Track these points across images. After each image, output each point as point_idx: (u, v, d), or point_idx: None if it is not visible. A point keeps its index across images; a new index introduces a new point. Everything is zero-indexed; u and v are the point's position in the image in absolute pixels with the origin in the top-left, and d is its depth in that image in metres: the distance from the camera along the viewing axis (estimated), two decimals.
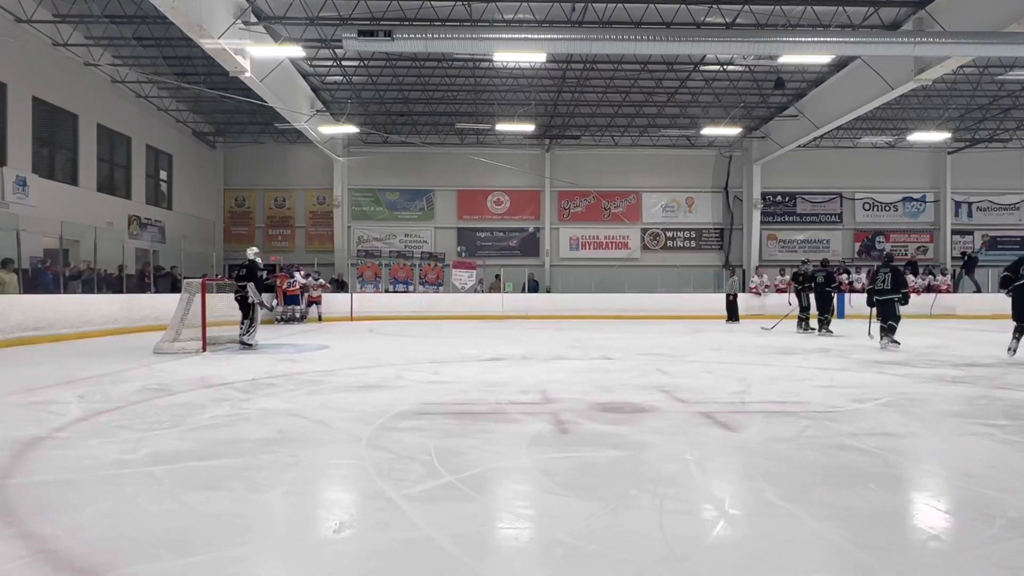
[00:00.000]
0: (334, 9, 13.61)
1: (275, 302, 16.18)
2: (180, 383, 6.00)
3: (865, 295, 11.38)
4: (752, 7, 13.35)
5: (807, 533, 2.39)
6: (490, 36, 10.95)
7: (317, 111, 19.24)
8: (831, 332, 12.62)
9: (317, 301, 17.40)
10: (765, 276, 20.83)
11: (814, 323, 13.19)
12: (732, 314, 17.56)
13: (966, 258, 22.44)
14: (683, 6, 13.34)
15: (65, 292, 12.53)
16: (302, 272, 17.39)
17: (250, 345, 9.46)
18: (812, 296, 13.30)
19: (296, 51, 13.94)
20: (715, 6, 13.34)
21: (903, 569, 2.10)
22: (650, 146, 23.67)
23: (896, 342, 9.62)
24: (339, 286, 20.30)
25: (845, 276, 19.50)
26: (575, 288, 21.43)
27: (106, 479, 3.04)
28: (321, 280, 17.94)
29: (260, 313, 9.89)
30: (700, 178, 24.18)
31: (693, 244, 24.35)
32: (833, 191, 24.33)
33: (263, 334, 10.24)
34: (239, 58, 12.75)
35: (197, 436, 3.88)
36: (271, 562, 2.19)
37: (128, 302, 13.13)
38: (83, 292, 12.93)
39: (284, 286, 16.29)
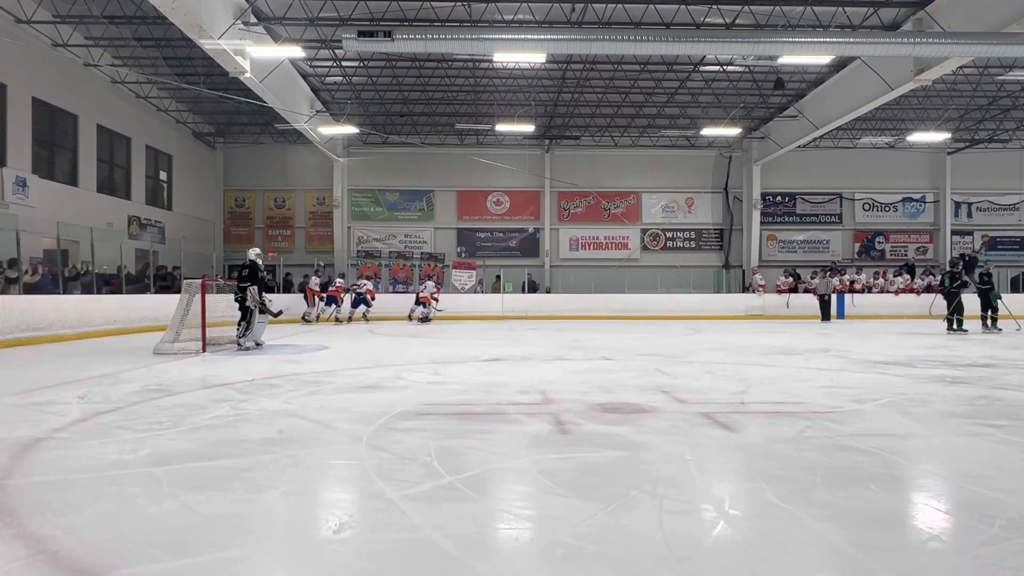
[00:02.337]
0: (334, 10, 13.62)
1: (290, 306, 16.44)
2: (180, 384, 6.00)
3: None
4: (752, 8, 13.35)
5: (807, 534, 2.39)
6: (490, 36, 10.94)
7: (317, 111, 19.25)
8: (964, 331, 12.71)
9: (427, 302, 16.94)
10: (759, 276, 20.90)
11: (1002, 323, 13.24)
12: (826, 313, 17.60)
13: (966, 259, 22.43)
14: (683, 7, 13.35)
15: (65, 293, 12.53)
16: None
17: (247, 347, 9.46)
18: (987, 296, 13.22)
19: (296, 52, 13.94)
20: (715, 7, 13.34)
21: (903, 569, 2.09)
22: (650, 147, 23.67)
23: None
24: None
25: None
26: (575, 288, 21.44)
27: (106, 480, 3.04)
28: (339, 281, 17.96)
29: (258, 316, 9.87)
30: (700, 178, 24.19)
31: (693, 244, 24.36)
32: (833, 191, 24.34)
33: (266, 334, 10.25)
34: (239, 59, 12.75)
35: (197, 437, 3.88)
36: (271, 563, 2.19)
37: (127, 303, 13.13)
38: (82, 293, 12.93)
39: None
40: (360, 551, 2.27)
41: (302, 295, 17.16)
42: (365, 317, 16.99)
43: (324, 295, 17.04)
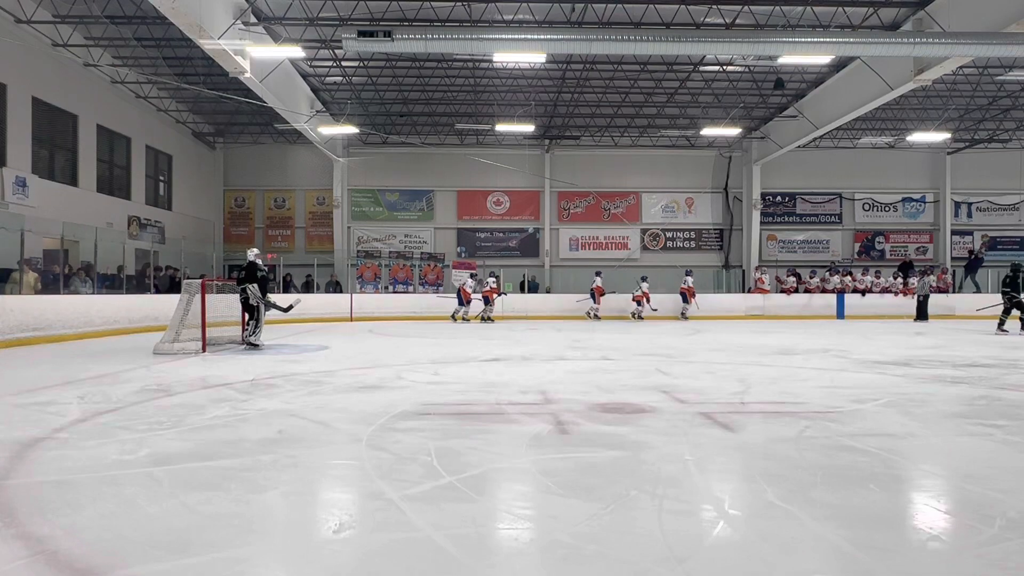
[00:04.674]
0: (334, 10, 13.61)
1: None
2: (180, 384, 6.00)
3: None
4: (752, 8, 13.34)
5: (807, 534, 2.39)
6: (490, 36, 10.94)
7: (317, 111, 19.24)
8: None
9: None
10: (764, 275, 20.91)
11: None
12: (922, 313, 17.85)
13: (972, 256, 22.38)
14: (683, 7, 13.34)
15: (65, 293, 12.52)
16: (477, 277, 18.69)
17: (256, 345, 9.50)
18: None
19: (296, 52, 13.94)
20: (715, 7, 13.33)
21: (903, 569, 2.09)
22: (650, 147, 23.66)
23: None
24: (336, 287, 20.44)
25: None
26: (575, 289, 21.38)
27: (106, 480, 3.04)
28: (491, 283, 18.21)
29: (264, 313, 9.90)
30: (700, 178, 24.17)
31: (693, 244, 24.35)
32: (833, 191, 24.32)
33: (266, 334, 10.26)
34: (239, 59, 12.73)
35: (197, 437, 3.88)
36: (271, 562, 2.19)
37: (128, 303, 13.12)
38: (83, 293, 12.93)
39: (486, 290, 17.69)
40: (360, 551, 2.27)
41: (455, 295, 17.86)
42: (484, 316, 17.59)
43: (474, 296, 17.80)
